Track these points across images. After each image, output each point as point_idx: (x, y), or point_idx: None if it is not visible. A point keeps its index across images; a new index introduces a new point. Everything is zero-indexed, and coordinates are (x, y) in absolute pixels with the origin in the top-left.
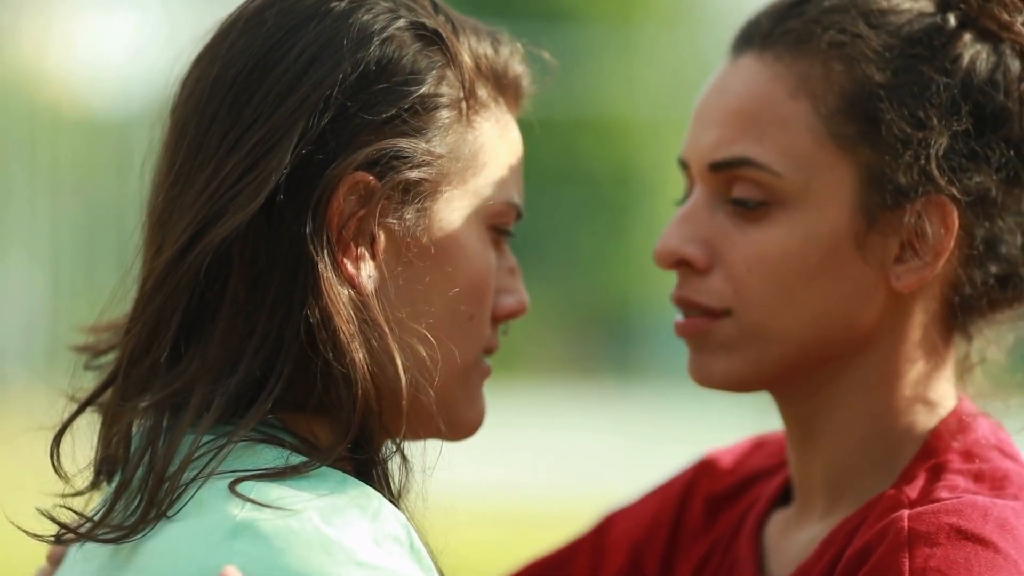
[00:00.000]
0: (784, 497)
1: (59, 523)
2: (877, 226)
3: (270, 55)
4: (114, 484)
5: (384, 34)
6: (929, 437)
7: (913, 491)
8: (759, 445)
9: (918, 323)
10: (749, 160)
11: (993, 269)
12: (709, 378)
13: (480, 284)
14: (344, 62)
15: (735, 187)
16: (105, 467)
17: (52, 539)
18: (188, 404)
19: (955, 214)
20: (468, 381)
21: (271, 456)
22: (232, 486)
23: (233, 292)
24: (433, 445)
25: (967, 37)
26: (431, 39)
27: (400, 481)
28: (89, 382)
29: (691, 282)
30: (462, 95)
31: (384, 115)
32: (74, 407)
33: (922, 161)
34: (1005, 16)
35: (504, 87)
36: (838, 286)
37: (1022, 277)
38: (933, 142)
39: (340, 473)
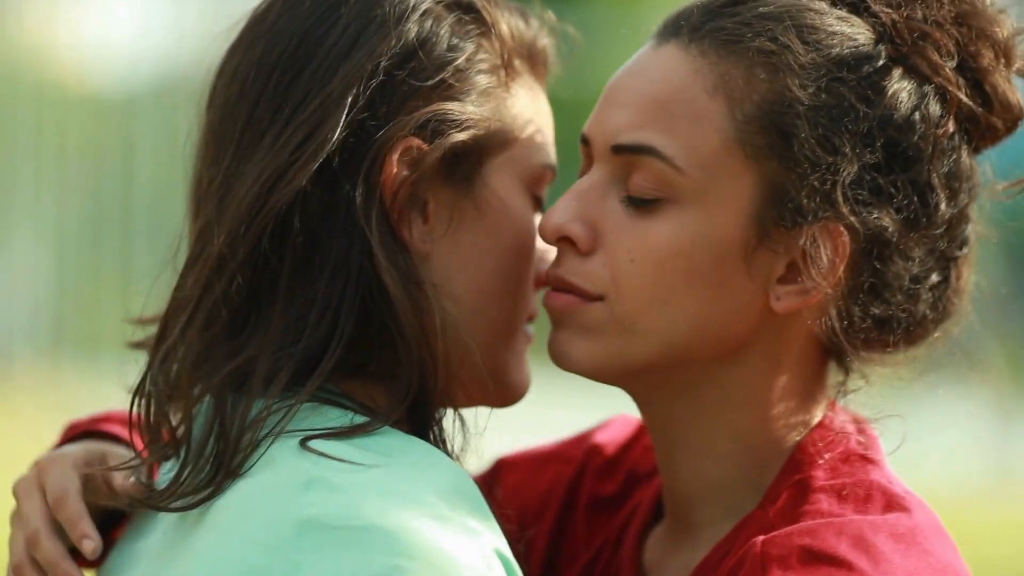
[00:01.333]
0: (662, 508)
1: (128, 494)
2: (768, 242)
3: (313, 32)
4: (181, 455)
5: (424, 5)
6: (794, 452)
7: (775, 512)
8: (639, 434)
9: (793, 345)
10: (653, 149)
11: (874, 310)
12: (566, 358)
13: (526, 246)
14: (389, 33)
15: (633, 175)
16: (169, 440)
17: (125, 506)
18: (254, 373)
19: (848, 245)
20: (516, 345)
21: (336, 417)
22: (303, 442)
23: (292, 262)
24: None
25: (896, 72)
26: (468, 8)
27: (456, 442)
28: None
29: (570, 262)
30: (500, 62)
31: (430, 81)
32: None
33: (827, 186)
34: (936, 58)
35: (534, 58)
36: (717, 294)
37: (900, 323)
38: (842, 169)
39: (402, 433)
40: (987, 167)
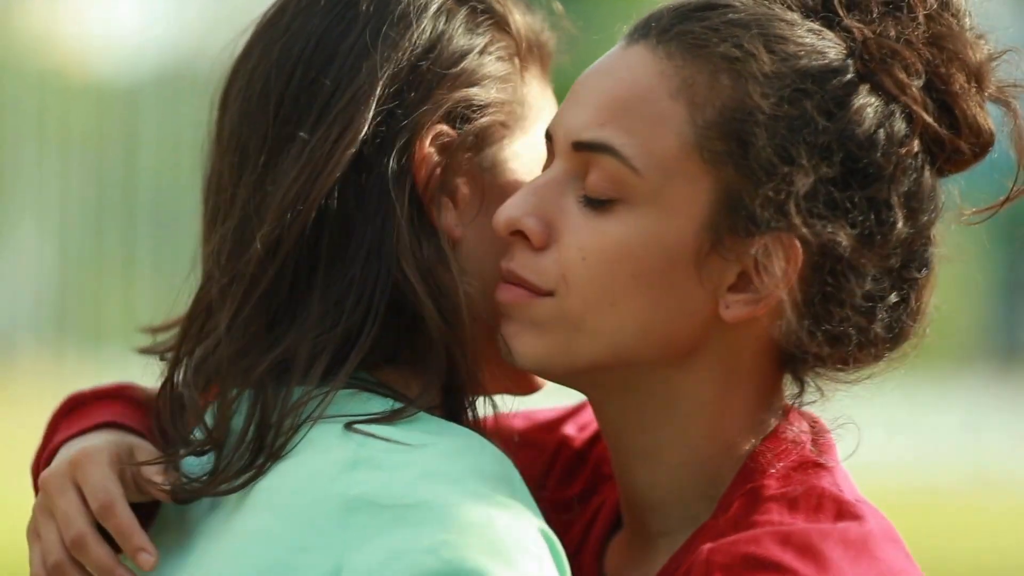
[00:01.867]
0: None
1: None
2: (721, 249)
3: (332, 30)
4: (223, 447)
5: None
6: (747, 461)
7: (726, 521)
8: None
9: (746, 355)
10: (611, 148)
11: (825, 325)
12: (512, 352)
13: None
14: (411, 26)
15: (591, 173)
16: (210, 430)
17: (169, 496)
18: (294, 361)
19: (801, 258)
20: None
21: (375, 403)
22: (348, 426)
23: (329, 250)
24: None
25: (863, 88)
26: (480, 0)
27: (487, 426)
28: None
29: (523, 256)
30: (514, 51)
31: (453, 70)
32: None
33: (781, 196)
34: (902, 77)
35: (541, 51)
36: (666, 298)
37: (852, 340)
38: (797, 180)
39: (439, 418)
40: (954, 191)
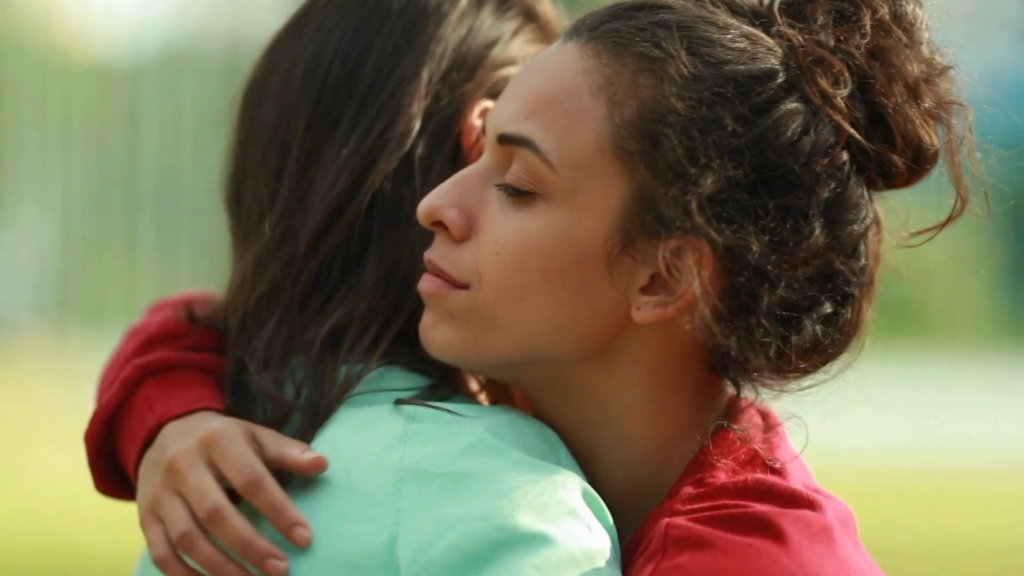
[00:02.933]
0: None
1: None
2: (632, 250)
3: (368, 21)
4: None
5: None
6: (692, 461)
7: (677, 501)
8: None
9: (671, 357)
10: (530, 141)
11: (740, 332)
12: (429, 343)
13: None
14: (447, 14)
15: (512, 166)
16: (284, 400)
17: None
18: (346, 334)
19: (711, 262)
20: None
21: (418, 379)
22: (396, 401)
23: (380, 230)
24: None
25: (790, 96)
26: None
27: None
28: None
29: (443, 247)
30: (541, 35)
31: (492, 51)
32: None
33: (687, 197)
34: (826, 87)
35: (557, 34)
36: (576, 297)
37: (773, 349)
38: (703, 182)
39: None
40: (899, 206)
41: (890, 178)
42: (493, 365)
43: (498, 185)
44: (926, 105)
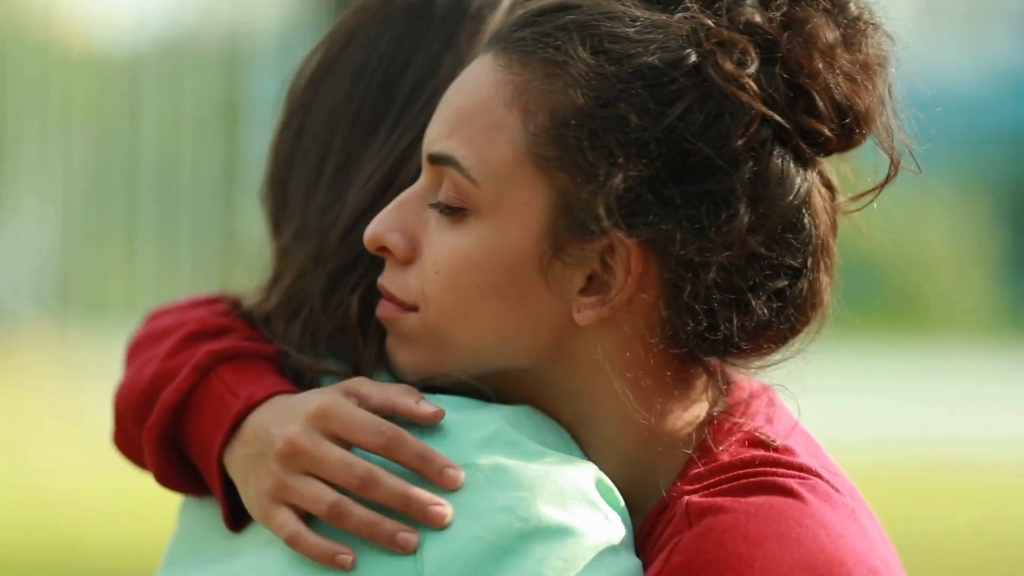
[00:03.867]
0: None
1: None
2: (563, 255)
3: (412, 28)
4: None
5: None
6: (695, 446)
7: (687, 483)
8: None
9: (631, 353)
10: (453, 159)
11: (688, 318)
12: (395, 365)
13: None
14: (484, 21)
15: (442, 185)
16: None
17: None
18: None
19: (640, 257)
20: None
21: None
22: (421, 390)
23: None
24: None
25: (696, 83)
26: None
27: None
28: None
29: (391, 271)
30: None
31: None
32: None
33: (608, 198)
34: (730, 67)
35: None
36: (516, 307)
37: (726, 331)
38: (620, 180)
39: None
40: (837, 177)
41: (821, 147)
42: (457, 380)
43: (432, 205)
44: (845, 68)
